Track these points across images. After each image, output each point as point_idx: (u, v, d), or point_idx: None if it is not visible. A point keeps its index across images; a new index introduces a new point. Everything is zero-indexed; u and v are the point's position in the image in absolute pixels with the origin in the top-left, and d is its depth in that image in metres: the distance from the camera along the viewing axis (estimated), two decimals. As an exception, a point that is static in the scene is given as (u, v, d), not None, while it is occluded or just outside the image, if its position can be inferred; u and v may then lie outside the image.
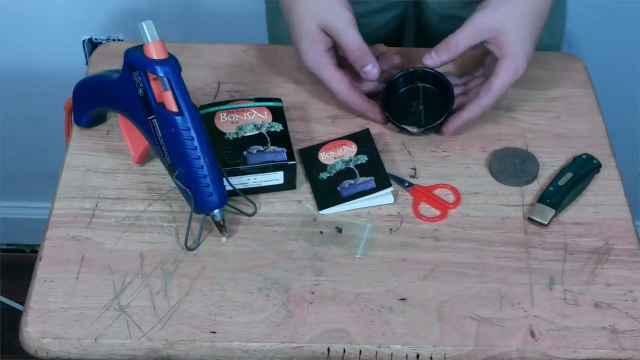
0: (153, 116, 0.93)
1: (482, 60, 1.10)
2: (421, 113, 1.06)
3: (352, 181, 1.00)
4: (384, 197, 1.00)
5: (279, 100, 1.06)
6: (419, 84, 1.04)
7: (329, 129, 1.08)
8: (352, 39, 1.02)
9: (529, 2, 1.02)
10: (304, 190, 1.01)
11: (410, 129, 1.05)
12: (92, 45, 1.68)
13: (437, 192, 1.02)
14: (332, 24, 1.02)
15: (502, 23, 1.01)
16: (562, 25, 1.29)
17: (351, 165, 1.02)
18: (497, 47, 1.02)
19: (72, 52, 1.69)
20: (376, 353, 0.88)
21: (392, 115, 1.06)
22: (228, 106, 1.04)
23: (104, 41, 1.67)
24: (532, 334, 0.89)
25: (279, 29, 1.25)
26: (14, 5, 1.62)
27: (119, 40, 1.66)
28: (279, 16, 1.21)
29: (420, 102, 1.06)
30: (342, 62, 1.06)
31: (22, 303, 0.91)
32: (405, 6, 1.28)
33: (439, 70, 1.06)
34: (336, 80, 1.04)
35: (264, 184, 1.00)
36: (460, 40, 1.02)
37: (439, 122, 1.05)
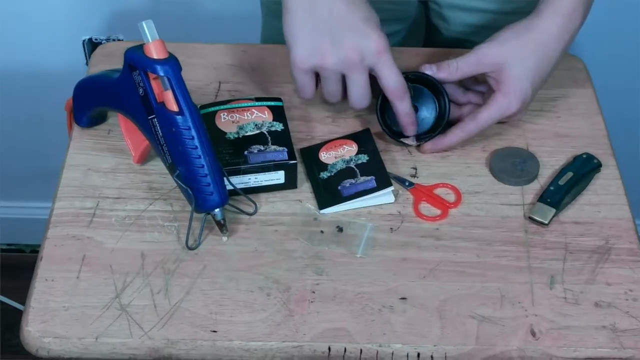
0: (153, 116, 0.93)
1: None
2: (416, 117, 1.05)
3: (352, 180, 1.00)
4: (385, 196, 1.00)
5: (279, 99, 1.06)
6: (409, 84, 1.03)
7: (329, 129, 1.08)
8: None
9: (537, 42, 1.01)
10: (304, 190, 1.01)
11: (407, 141, 1.05)
12: (92, 45, 1.68)
13: (438, 191, 1.02)
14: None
15: (504, 58, 1.01)
16: None
17: (352, 165, 1.02)
18: (495, 81, 1.02)
19: (72, 52, 1.69)
20: (377, 352, 0.88)
21: (387, 125, 1.05)
22: (229, 106, 1.04)
23: (104, 41, 1.67)
24: (533, 333, 0.89)
25: (274, 33, 1.25)
26: (14, 5, 1.62)
27: (119, 40, 1.66)
28: (275, 19, 1.21)
29: (413, 105, 1.05)
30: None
31: (22, 303, 0.91)
32: (409, 23, 1.27)
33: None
34: (395, 64, 1.00)
35: (264, 183, 1.00)
36: (461, 66, 1.03)
37: (435, 134, 1.04)
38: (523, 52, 1.01)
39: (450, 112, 1.05)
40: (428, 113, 1.06)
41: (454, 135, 1.04)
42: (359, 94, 1.00)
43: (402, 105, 1.01)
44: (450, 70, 1.03)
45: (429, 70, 1.03)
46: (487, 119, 1.02)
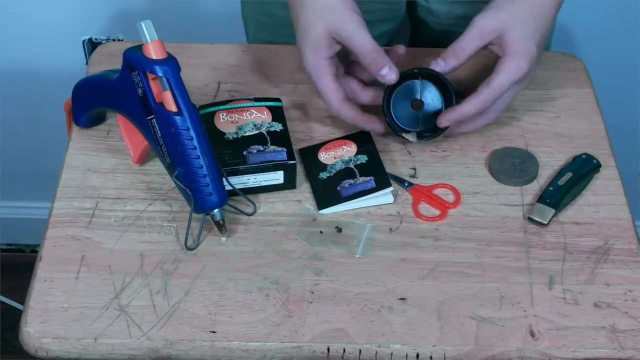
0: (152, 116, 0.93)
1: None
2: (420, 115, 1.05)
3: (352, 181, 1.00)
4: (384, 196, 1.00)
5: (278, 100, 1.06)
6: (420, 79, 1.02)
7: (328, 129, 1.08)
8: (364, 42, 1.00)
9: (532, 3, 1.02)
10: (303, 190, 1.01)
11: (408, 137, 1.05)
12: (92, 45, 1.68)
13: (437, 191, 1.02)
14: (341, 27, 0.99)
15: (504, 23, 1.00)
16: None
17: (351, 165, 1.02)
18: (500, 47, 1.01)
19: (72, 52, 1.69)
20: (376, 353, 0.88)
21: (391, 119, 1.05)
22: (228, 106, 1.04)
23: (104, 41, 1.67)
24: (532, 334, 0.89)
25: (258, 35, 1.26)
26: (14, 5, 1.62)
27: (119, 40, 1.66)
28: (261, 30, 1.22)
29: (419, 100, 1.05)
30: (352, 68, 1.06)
31: (22, 303, 0.91)
32: (399, 22, 1.28)
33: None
34: (330, 91, 1.02)
35: (263, 183, 1.00)
36: (466, 45, 1.01)
37: (438, 133, 1.04)
38: (521, 14, 1.01)
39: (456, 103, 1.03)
40: (433, 106, 1.05)
41: (470, 103, 1.00)
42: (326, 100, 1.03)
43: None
44: (456, 53, 1.01)
45: (438, 66, 1.02)
46: (501, 84, 1.00)
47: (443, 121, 1.02)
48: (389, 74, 1.00)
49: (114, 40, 1.67)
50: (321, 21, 1.00)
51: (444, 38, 1.25)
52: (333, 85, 1.02)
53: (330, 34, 1.00)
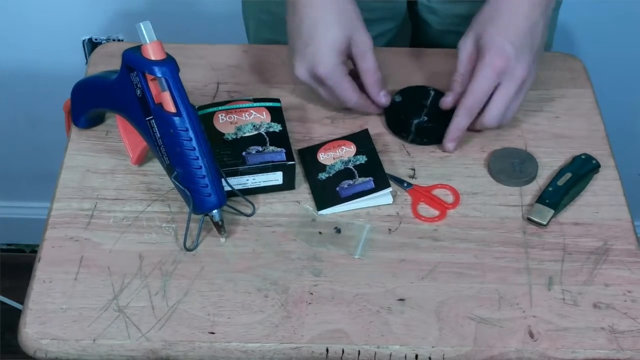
0: (151, 117, 0.93)
1: None
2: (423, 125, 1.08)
3: (351, 181, 1.00)
4: (383, 197, 1.00)
5: (277, 100, 1.05)
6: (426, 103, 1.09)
7: (327, 129, 1.08)
8: (373, 63, 1.05)
9: (502, 4, 1.03)
10: (302, 191, 1.01)
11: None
12: (92, 45, 1.68)
13: (436, 192, 1.02)
14: (361, 42, 1.04)
15: (477, 33, 1.03)
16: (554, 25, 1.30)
17: (350, 166, 1.02)
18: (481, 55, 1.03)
19: (72, 52, 1.69)
20: (375, 354, 0.88)
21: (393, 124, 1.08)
22: (227, 107, 1.04)
23: (104, 41, 1.67)
24: (531, 335, 0.89)
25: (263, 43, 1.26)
26: (14, 5, 1.62)
27: (119, 40, 1.66)
28: (264, 30, 1.23)
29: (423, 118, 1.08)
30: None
31: (22, 303, 0.91)
32: (400, 21, 1.28)
33: None
34: (351, 90, 1.05)
35: (262, 184, 1.00)
36: (464, 71, 1.05)
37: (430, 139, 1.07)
38: (488, 18, 1.03)
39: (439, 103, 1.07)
40: (421, 118, 1.08)
41: (457, 116, 1.04)
42: (334, 100, 1.07)
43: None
44: (463, 83, 1.05)
45: (449, 103, 1.06)
46: (479, 86, 1.02)
47: (449, 148, 1.06)
48: (386, 96, 1.08)
49: (114, 40, 1.67)
50: (339, 26, 1.03)
51: (444, 37, 1.25)
52: (352, 84, 1.06)
53: (348, 39, 1.03)
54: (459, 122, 1.04)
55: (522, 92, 1.04)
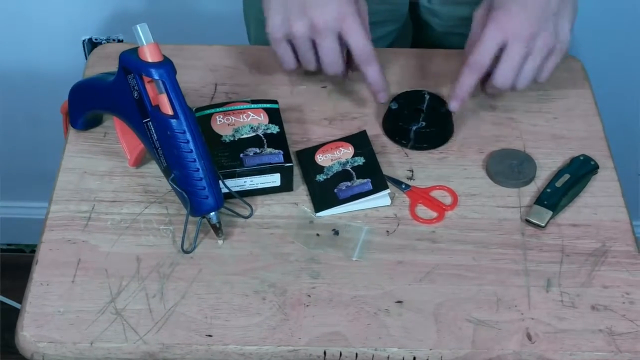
0: (148, 119, 0.93)
1: None
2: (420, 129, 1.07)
3: (348, 183, 1.00)
4: (381, 199, 1.00)
5: (275, 102, 1.05)
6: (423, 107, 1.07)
7: (325, 131, 1.08)
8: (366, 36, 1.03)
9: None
10: (300, 193, 1.01)
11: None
12: (92, 45, 1.68)
13: (434, 193, 1.02)
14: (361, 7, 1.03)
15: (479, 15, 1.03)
16: None
17: (348, 167, 1.02)
18: None
19: (72, 52, 1.69)
20: (372, 356, 0.88)
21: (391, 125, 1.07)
22: (224, 108, 1.04)
23: (104, 41, 1.67)
24: (529, 337, 0.89)
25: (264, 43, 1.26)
26: (14, 5, 1.62)
27: (119, 40, 1.66)
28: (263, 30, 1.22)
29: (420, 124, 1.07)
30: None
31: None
32: (401, 23, 1.28)
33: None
34: (366, 35, 1.02)
35: (260, 186, 0.99)
36: (476, 38, 1.03)
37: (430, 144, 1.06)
38: None
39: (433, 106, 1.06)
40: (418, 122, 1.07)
41: (462, 74, 1.02)
42: (328, 59, 1.04)
43: (369, 70, 1.03)
44: (480, 65, 1.02)
45: (457, 101, 1.04)
46: (482, 42, 1.00)
47: (455, 107, 1.04)
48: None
49: (114, 40, 1.67)
50: None
51: (446, 39, 1.25)
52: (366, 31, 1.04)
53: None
54: (464, 80, 1.02)
55: (537, 55, 1.01)
